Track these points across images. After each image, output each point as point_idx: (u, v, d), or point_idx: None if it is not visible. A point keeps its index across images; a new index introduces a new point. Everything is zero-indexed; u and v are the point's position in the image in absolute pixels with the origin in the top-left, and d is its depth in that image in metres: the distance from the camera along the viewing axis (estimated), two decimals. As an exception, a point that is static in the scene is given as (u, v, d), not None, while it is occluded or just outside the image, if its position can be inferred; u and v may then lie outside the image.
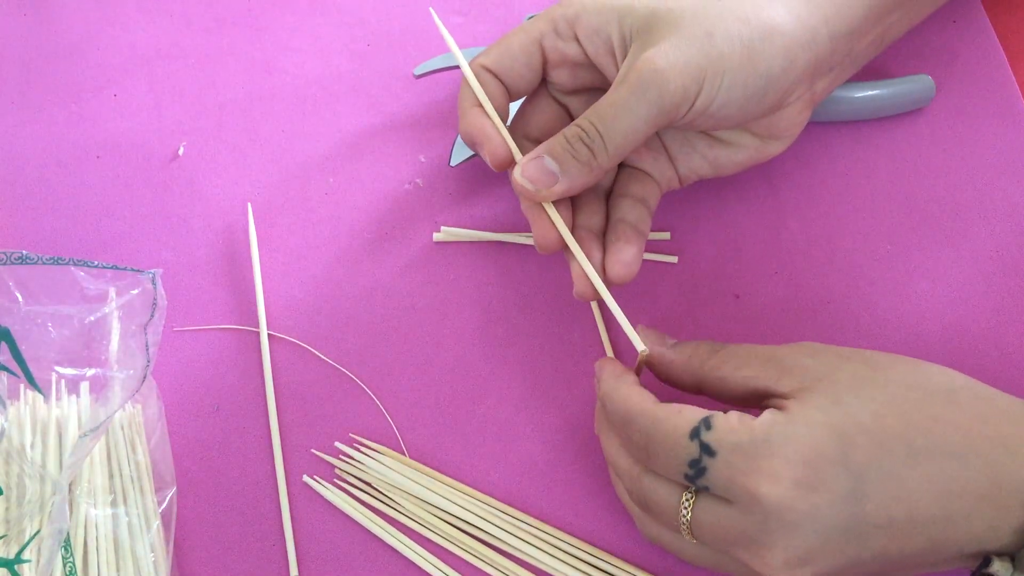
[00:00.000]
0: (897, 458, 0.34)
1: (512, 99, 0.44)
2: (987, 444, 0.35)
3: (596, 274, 0.41)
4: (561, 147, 0.40)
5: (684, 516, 0.36)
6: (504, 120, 0.42)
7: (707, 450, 0.34)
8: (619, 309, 0.40)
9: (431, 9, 0.46)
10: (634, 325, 0.40)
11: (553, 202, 0.41)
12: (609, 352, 0.46)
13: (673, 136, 0.45)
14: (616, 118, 0.39)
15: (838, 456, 0.34)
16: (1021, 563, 0.35)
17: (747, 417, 0.35)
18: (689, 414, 0.36)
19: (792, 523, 0.33)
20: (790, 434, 0.34)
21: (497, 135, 0.42)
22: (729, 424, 0.35)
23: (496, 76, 0.43)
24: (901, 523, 0.34)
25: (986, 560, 0.35)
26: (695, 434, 0.35)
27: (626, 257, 0.41)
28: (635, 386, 0.38)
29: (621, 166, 0.45)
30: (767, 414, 0.35)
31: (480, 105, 0.42)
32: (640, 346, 0.40)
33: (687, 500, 0.36)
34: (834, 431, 0.34)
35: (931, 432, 0.35)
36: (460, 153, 0.50)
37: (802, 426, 0.34)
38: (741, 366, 0.38)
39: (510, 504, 0.44)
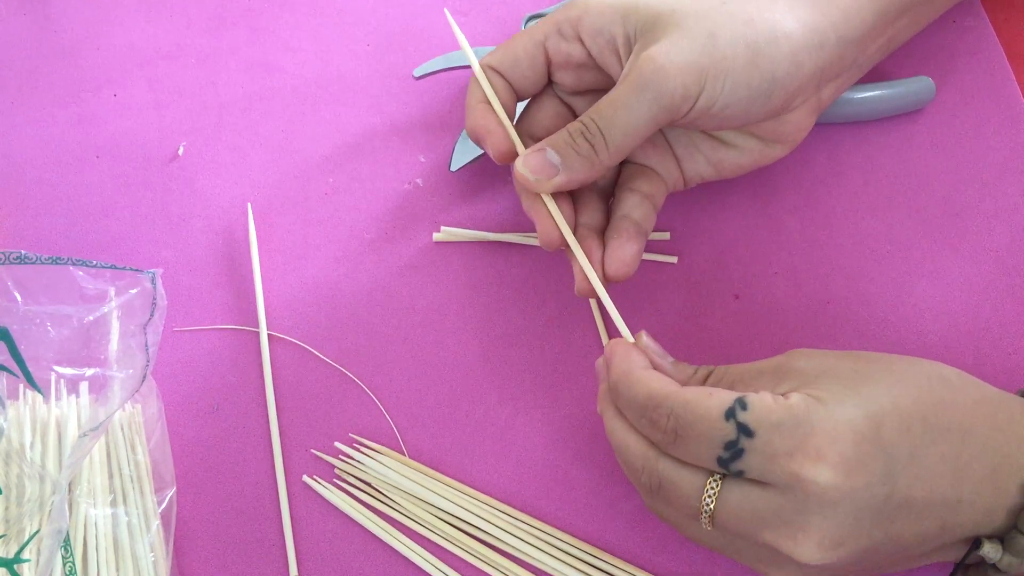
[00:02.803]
0: (917, 437, 0.34)
1: (519, 99, 0.44)
2: (985, 425, 0.36)
3: (594, 272, 0.41)
4: (563, 141, 0.40)
5: (707, 503, 0.35)
6: (511, 118, 0.43)
7: (745, 430, 0.34)
8: (614, 307, 0.40)
9: (446, 10, 0.46)
10: (636, 331, 0.40)
11: (555, 200, 0.41)
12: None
13: (678, 137, 0.45)
14: (616, 115, 0.39)
15: (873, 436, 0.34)
16: (1011, 544, 0.35)
17: (780, 397, 0.35)
18: (721, 395, 0.35)
19: (831, 503, 0.33)
20: (827, 414, 0.34)
21: (501, 128, 0.42)
22: (766, 404, 0.34)
23: (502, 76, 0.43)
24: (919, 504, 0.34)
25: (976, 543, 0.35)
26: (730, 415, 0.34)
27: (625, 255, 0.41)
28: (652, 369, 0.38)
29: (628, 162, 0.45)
30: (798, 396, 0.34)
31: (486, 101, 0.42)
32: (630, 338, 0.40)
33: (712, 487, 0.35)
34: (864, 412, 0.34)
35: (939, 412, 0.35)
36: (460, 158, 0.50)
37: (836, 406, 0.34)
38: (735, 383, 0.38)
39: (510, 504, 0.44)
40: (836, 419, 0.34)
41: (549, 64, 0.43)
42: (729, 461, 0.34)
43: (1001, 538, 0.36)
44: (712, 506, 0.35)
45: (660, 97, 0.38)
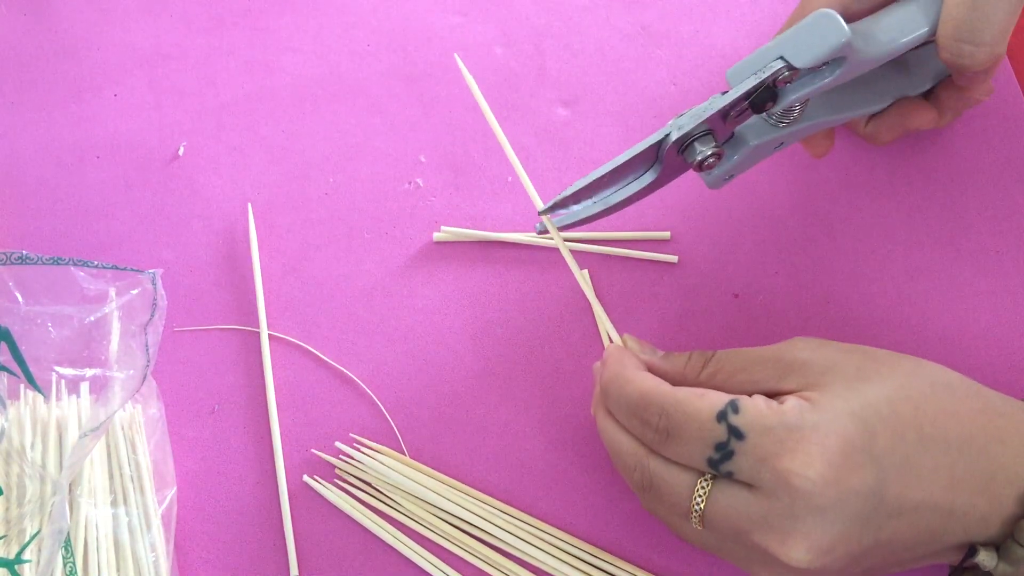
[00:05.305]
0: (910, 445, 0.34)
1: None
2: (984, 436, 0.35)
3: (586, 279, 0.41)
4: None
5: (697, 504, 0.35)
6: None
7: (736, 433, 0.34)
8: (603, 311, 0.40)
9: (456, 56, 0.46)
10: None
11: None
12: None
13: None
14: None
15: (865, 444, 0.34)
16: (1006, 553, 0.35)
17: (773, 402, 0.35)
18: (713, 397, 0.35)
19: (819, 509, 0.33)
20: (820, 421, 0.34)
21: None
22: (758, 408, 0.34)
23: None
24: (910, 511, 0.34)
25: (972, 550, 0.35)
26: (722, 417, 0.34)
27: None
28: (645, 371, 0.38)
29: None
30: (793, 400, 0.35)
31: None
32: (616, 337, 0.40)
33: (702, 487, 0.35)
34: (858, 419, 0.34)
35: (937, 422, 0.35)
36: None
37: (829, 413, 0.34)
38: (737, 372, 0.38)
39: (510, 504, 0.44)
40: (828, 426, 0.34)
41: None
42: (719, 462, 0.35)
43: (996, 546, 0.36)
44: (702, 506, 0.35)
45: None
